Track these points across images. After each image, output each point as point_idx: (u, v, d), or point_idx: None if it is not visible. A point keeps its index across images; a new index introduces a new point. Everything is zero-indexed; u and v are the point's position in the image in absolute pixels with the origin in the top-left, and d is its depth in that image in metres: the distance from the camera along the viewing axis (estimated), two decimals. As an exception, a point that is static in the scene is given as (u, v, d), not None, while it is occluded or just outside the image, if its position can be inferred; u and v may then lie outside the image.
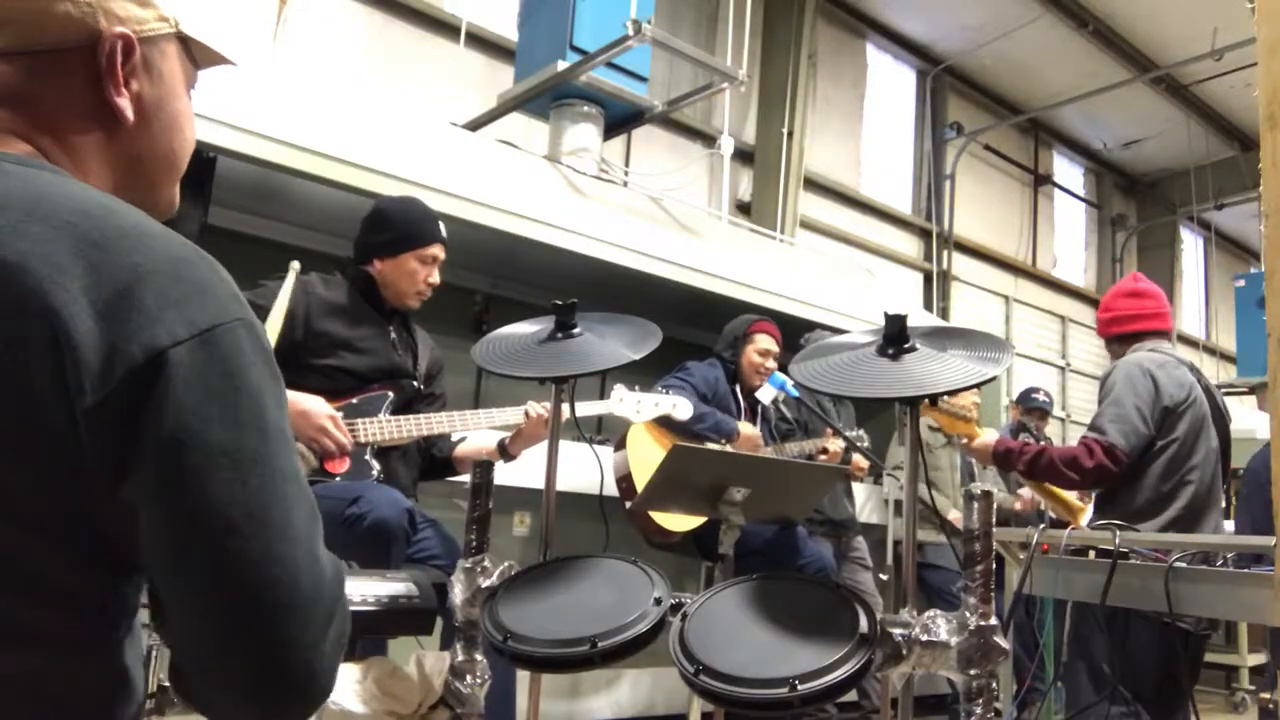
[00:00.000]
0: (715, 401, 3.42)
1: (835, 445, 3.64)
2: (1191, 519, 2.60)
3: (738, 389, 3.55)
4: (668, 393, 2.81)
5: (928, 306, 9.15)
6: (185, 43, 0.92)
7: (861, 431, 3.81)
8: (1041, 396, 5.55)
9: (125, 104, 0.86)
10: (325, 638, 0.77)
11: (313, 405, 2.22)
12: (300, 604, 0.75)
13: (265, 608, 0.73)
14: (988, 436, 2.76)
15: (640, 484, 3.14)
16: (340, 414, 2.27)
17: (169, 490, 0.72)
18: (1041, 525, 2.47)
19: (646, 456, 3.22)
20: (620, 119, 4.69)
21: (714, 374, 3.49)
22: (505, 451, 2.48)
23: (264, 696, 0.76)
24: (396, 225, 2.47)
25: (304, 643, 0.75)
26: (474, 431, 2.54)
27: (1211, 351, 12.03)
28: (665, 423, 3.13)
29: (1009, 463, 2.70)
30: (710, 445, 3.20)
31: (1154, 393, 2.63)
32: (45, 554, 0.72)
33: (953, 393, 1.66)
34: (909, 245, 9.63)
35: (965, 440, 2.80)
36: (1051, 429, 6.68)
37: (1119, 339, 2.87)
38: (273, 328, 2.22)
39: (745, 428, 3.44)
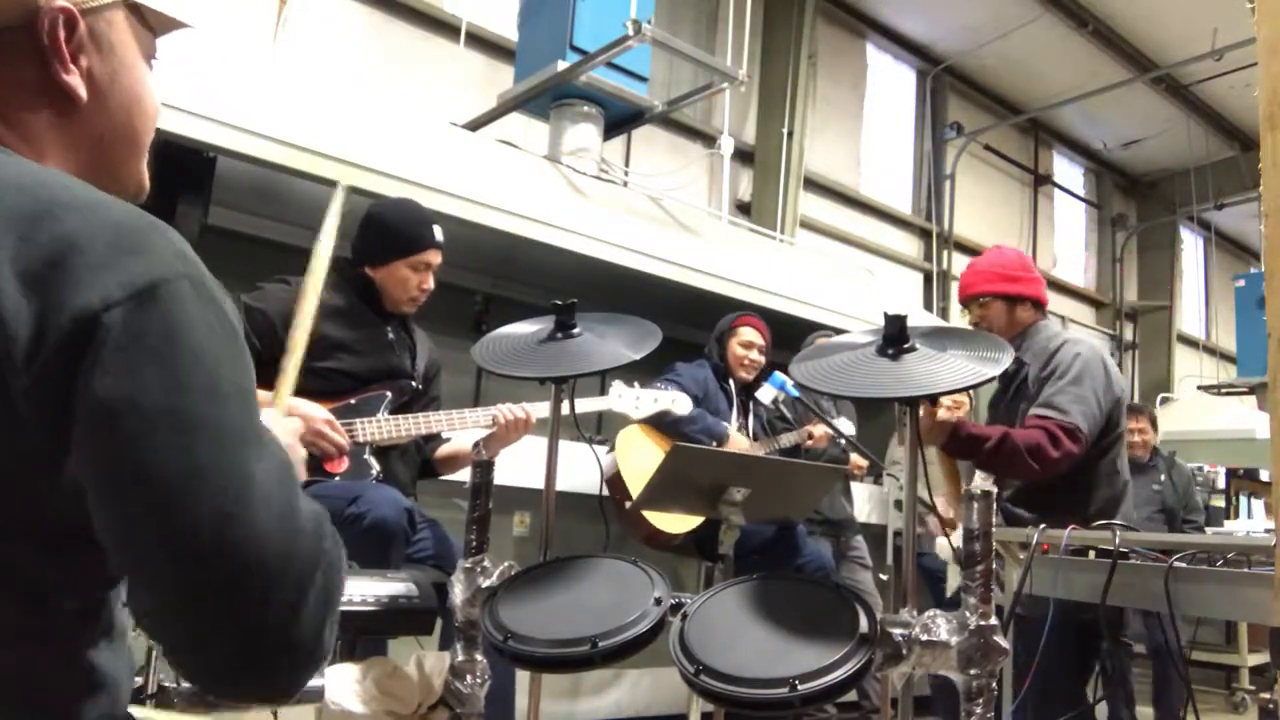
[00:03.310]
0: (706, 400, 3.41)
1: (820, 430, 3.64)
2: (1126, 519, 2.46)
3: (731, 385, 3.55)
4: (667, 389, 2.82)
5: (928, 306, 9.15)
6: (136, 10, 0.87)
7: (848, 419, 3.79)
8: None
9: (76, 82, 0.82)
10: (304, 601, 0.72)
11: (308, 409, 2.22)
12: (266, 568, 0.70)
13: (225, 575, 0.69)
14: (949, 415, 2.43)
15: (631, 485, 3.14)
16: (337, 415, 2.27)
17: (107, 461, 0.68)
18: (1041, 525, 2.43)
19: (637, 458, 3.22)
20: (620, 119, 4.69)
21: (702, 373, 3.50)
22: (480, 454, 2.46)
23: (244, 666, 0.72)
24: (387, 232, 2.44)
25: (277, 607, 0.70)
26: (460, 432, 2.53)
27: (1211, 351, 12.03)
28: (656, 423, 3.12)
29: (971, 449, 2.38)
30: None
31: (1106, 381, 2.48)
32: (8, 547, 0.70)
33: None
34: (909, 245, 9.63)
35: (924, 409, 2.40)
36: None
37: (1037, 305, 2.66)
38: (323, 259, 1.92)
39: (737, 437, 3.43)
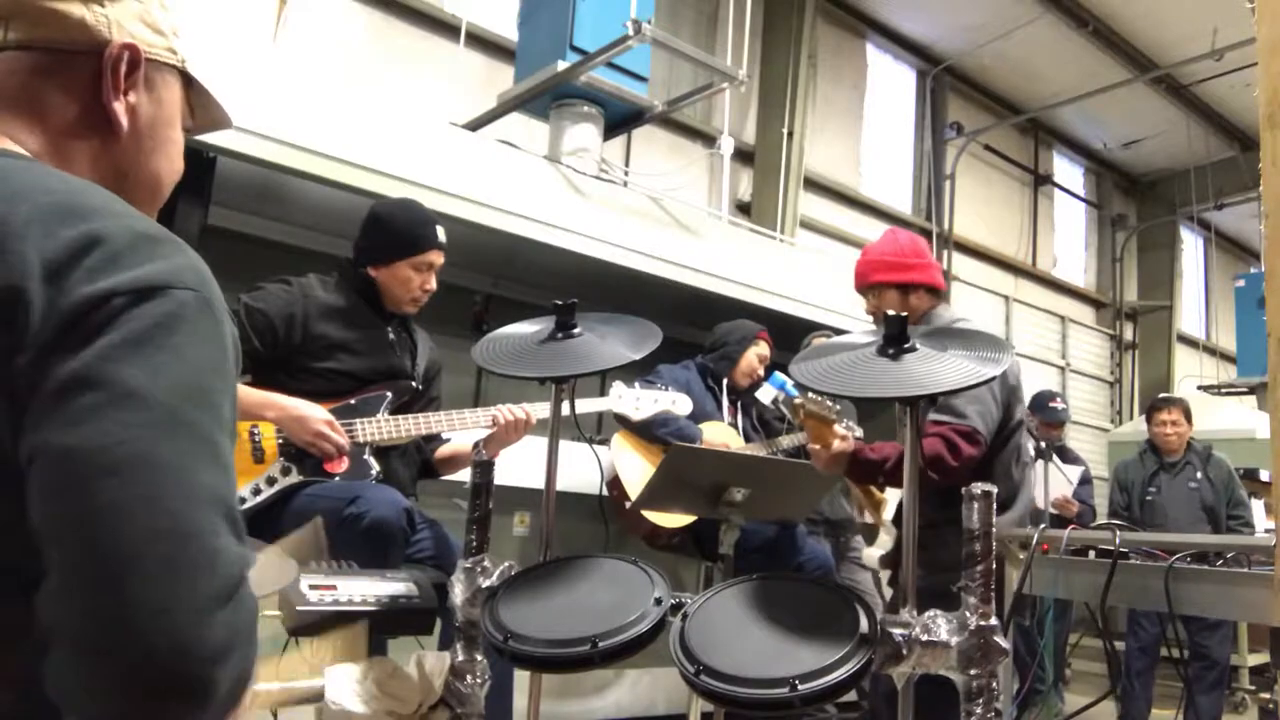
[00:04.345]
0: (692, 400, 3.40)
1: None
2: (1028, 509, 2.44)
3: (723, 385, 3.55)
4: (666, 388, 2.82)
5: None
6: (188, 88, 0.96)
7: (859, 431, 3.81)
8: (1059, 407, 4.99)
9: (120, 110, 0.88)
10: (213, 617, 0.67)
11: (308, 410, 2.22)
12: (185, 565, 0.66)
13: (142, 558, 0.65)
14: (844, 444, 2.26)
15: (629, 487, 3.15)
16: (337, 415, 2.27)
17: (60, 425, 0.67)
18: (1041, 525, 2.43)
19: (631, 460, 3.23)
20: (620, 119, 4.69)
21: (685, 375, 3.50)
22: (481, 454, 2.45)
23: (121, 667, 0.65)
24: (390, 232, 2.45)
25: (184, 610, 0.65)
26: (460, 432, 2.53)
27: (1211, 351, 12.03)
28: (634, 427, 3.10)
29: (870, 473, 2.28)
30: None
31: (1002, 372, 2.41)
32: (8, 540, 0.70)
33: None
34: (909, 245, 9.62)
35: (817, 446, 2.28)
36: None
37: (932, 291, 2.53)
38: None
39: (726, 432, 3.42)
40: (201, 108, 0.99)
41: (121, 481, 0.66)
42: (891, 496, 2.70)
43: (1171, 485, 4.77)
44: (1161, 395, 5.19)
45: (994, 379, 1.62)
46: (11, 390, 0.69)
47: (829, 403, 2.30)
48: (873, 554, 3.28)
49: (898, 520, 2.58)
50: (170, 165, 0.95)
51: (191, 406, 0.71)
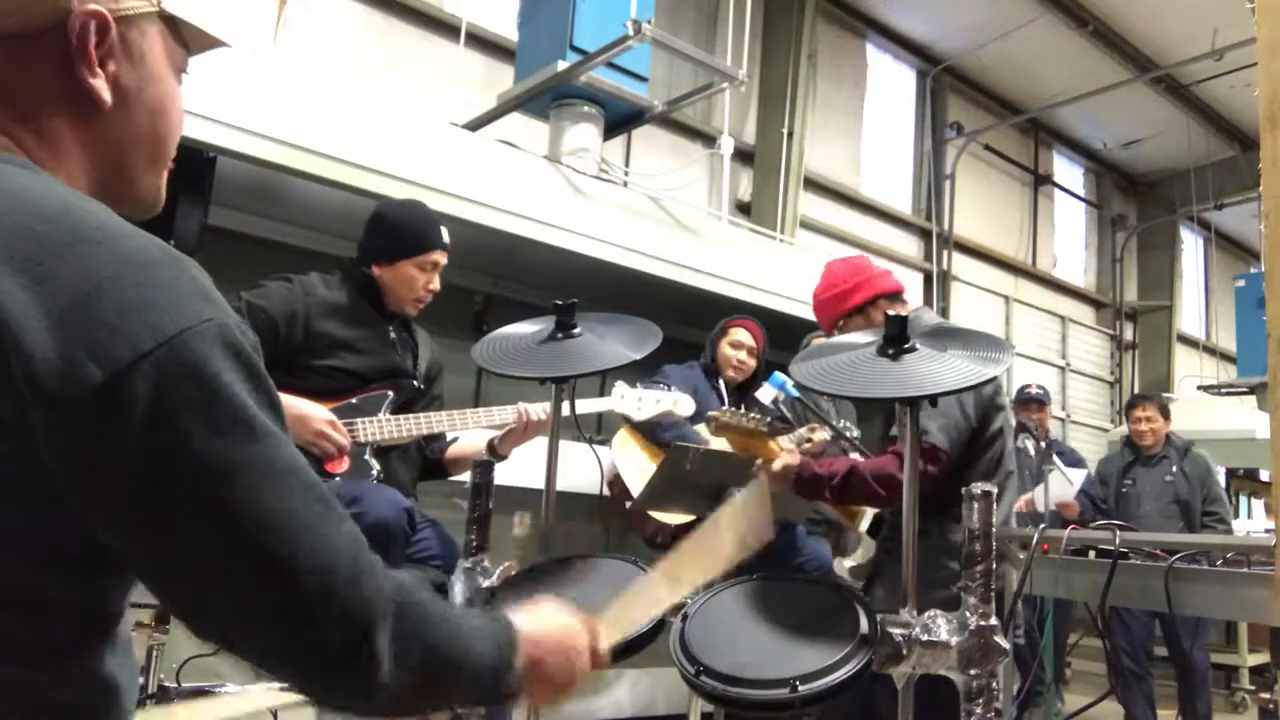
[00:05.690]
0: (696, 399, 3.40)
1: (821, 435, 3.63)
2: (1008, 519, 2.38)
3: (721, 385, 3.55)
4: (670, 388, 2.81)
5: (927, 306, 9.12)
6: (172, 24, 0.87)
7: (856, 432, 3.80)
8: (1034, 389, 5.17)
9: (101, 85, 0.81)
10: (349, 605, 0.77)
11: (310, 410, 2.22)
12: (314, 599, 0.75)
13: (284, 599, 0.74)
14: (789, 459, 2.19)
15: (631, 486, 3.14)
16: (338, 414, 2.27)
17: (155, 510, 0.70)
18: (1041, 525, 2.42)
19: (633, 459, 3.22)
20: (620, 119, 4.69)
21: (691, 374, 3.49)
22: (495, 451, 2.45)
23: (319, 673, 0.79)
24: (395, 232, 2.45)
25: (334, 616, 0.76)
26: (467, 431, 2.53)
27: (1211, 351, 12.03)
28: (639, 426, 3.10)
29: (817, 491, 2.22)
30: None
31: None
32: (15, 564, 0.70)
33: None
34: (909, 245, 9.62)
35: (760, 462, 2.20)
36: (1052, 429, 6.59)
37: (890, 297, 2.44)
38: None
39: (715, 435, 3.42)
40: (194, 35, 0.89)
41: (243, 540, 0.72)
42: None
43: (1147, 478, 4.79)
44: (1138, 393, 5.23)
45: (994, 379, 1.62)
46: (27, 434, 0.67)
47: (755, 415, 2.26)
48: (844, 565, 3.25)
49: (873, 531, 2.57)
50: (167, 122, 0.88)
51: (262, 447, 0.74)
